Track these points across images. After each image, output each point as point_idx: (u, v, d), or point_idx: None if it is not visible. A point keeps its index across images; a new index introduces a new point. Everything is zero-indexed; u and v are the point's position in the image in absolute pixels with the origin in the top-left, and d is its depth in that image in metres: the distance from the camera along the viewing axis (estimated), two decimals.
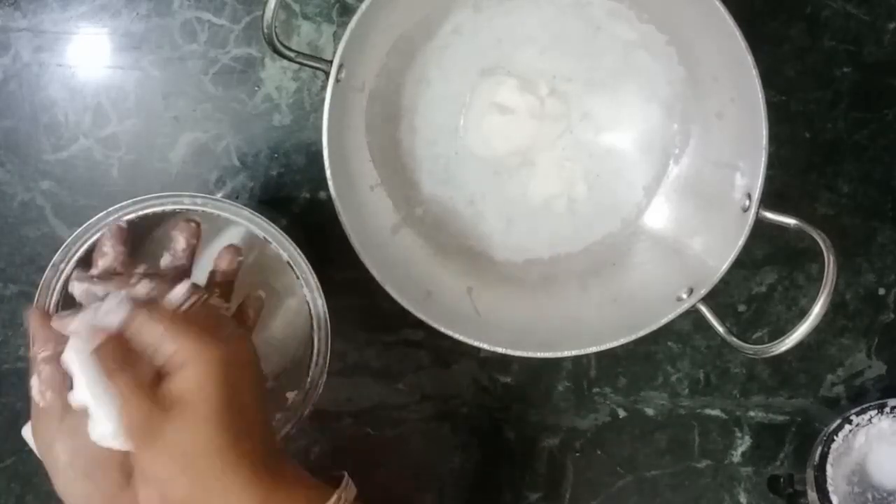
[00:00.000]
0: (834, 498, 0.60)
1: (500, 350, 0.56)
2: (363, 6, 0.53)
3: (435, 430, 0.66)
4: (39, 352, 0.48)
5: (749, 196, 0.54)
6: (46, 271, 0.52)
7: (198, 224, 0.53)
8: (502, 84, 0.62)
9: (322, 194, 0.64)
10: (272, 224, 0.53)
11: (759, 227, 0.53)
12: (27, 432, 0.55)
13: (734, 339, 0.53)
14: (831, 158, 0.65)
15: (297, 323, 0.61)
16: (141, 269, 0.51)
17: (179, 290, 0.47)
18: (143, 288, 0.48)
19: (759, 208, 0.53)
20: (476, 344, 0.56)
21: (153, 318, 0.45)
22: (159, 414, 0.43)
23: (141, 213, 0.53)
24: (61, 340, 0.46)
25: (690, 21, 0.57)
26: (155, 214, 0.53)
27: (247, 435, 0.45)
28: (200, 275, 0.54)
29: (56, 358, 0.46)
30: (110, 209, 0.52)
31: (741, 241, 0.54)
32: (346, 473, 0.49)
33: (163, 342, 0.45)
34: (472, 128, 0.63)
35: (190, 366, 0.44)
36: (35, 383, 0.48)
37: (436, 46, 0.61)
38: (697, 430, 0.66)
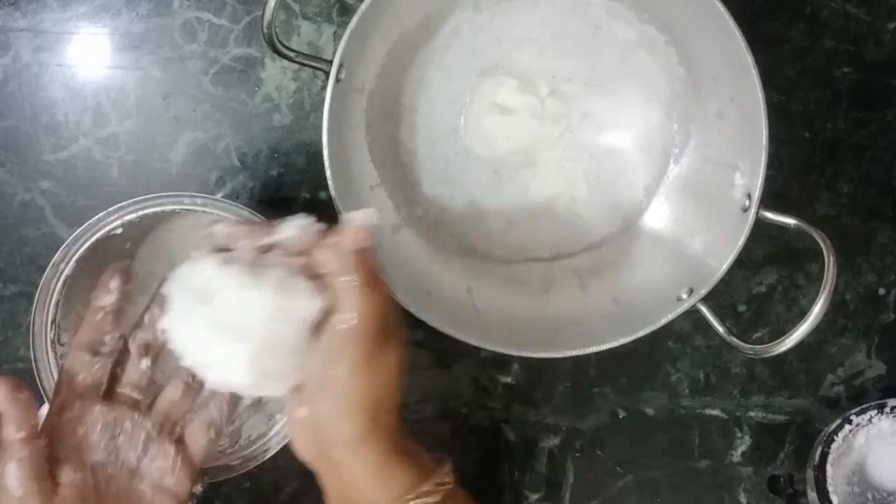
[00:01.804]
0: (834, 498, 0.60)
1: (500, 350, 0.56)
2: (363, 6, 0.53)
3: (435, 430, 0.66)
4: (15, 433, 0.43)
5: (749, 196, 0.54)
6: (46, 271, 0.52)
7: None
8: (502, 84, 0.62)
9: (322, 194, 0.64)
10: None
11: (759, 227, 0.53)
12: None
13: (734, 339, 0.53)
14: (831, 158, 0.65)
15: None
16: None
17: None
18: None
19: (759, 208, 0.53)
20: (476, 344, 0.56)
21: (338, 247, 0.45)
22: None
23: (141, 213, 0.53)
24: (32, 420, 0.45)
25: (690, 21, 0.57)
26: (155, 214, 0.53)
27: (386, 394, 0.46)
28: None
29: (35, 438, 0.44)
30: (110, 209, 0.52)
31: (741, 241, 0.54)
32: (449, 459, 0.50)
33: (343, 271, 0.44)
34: (472, 128, 0.63)
35: (356, 305, 0.44)
36: (13, 469, 0.43)
37: (436, 46, 0.61)
38: (697, 430, 0.66)
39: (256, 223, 0.47)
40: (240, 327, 0.44)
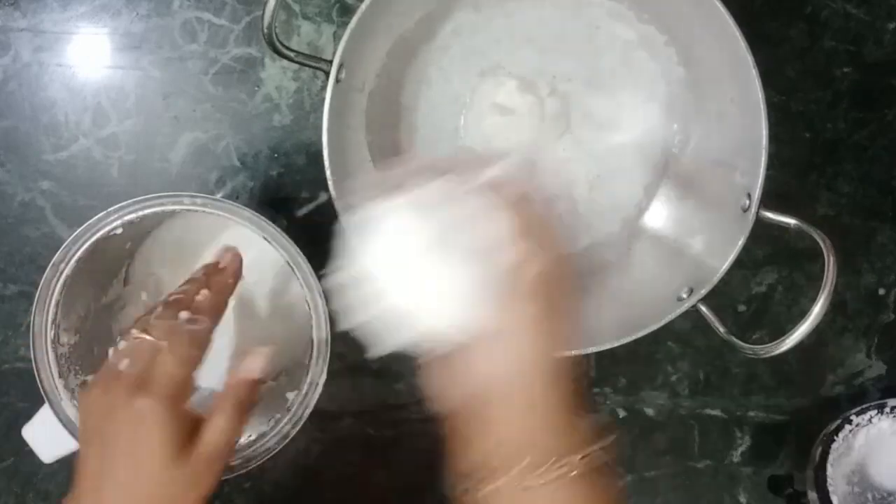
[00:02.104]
0: (834, 498, 0.60)
1: None
2: (363, 6, 0.53)
3: (435, 430, 0.66)
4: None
5: (749, 196, 0.54)
6: (46, 271, 0.52)
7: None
8: (502, 85, 0.62)
9: (322, 194, 0.64)
10: (272, 224, 0.53)
11: (759, 227, 0.53)
12: (27, 432, 0.55)
13: (734, 339, 0.53)
14: (831, 158, 0.65)
15: (297, 323, 0.61)
16: None
17: None
18: None
19: (759, 208, 0.53)
20: None
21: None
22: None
23: (141, 213, 0.53)
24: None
25: (690, 21, 0.57)
26: (155, 214, 0.53)
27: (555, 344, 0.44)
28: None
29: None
30: (109, 210, 0.52)
31: (741, 241, 0.54)
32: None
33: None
34: (472, 128, 0.63)
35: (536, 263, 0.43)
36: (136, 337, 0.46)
37: (436, 47, 0.61)
38: (697, 430, 0.66)
39: (471, 158, 0.46)
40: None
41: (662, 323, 0.55)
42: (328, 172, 0.54)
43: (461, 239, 0.42)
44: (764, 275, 0.65)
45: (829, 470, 0.61)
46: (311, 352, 0.54)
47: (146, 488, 0.45)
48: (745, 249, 0.54)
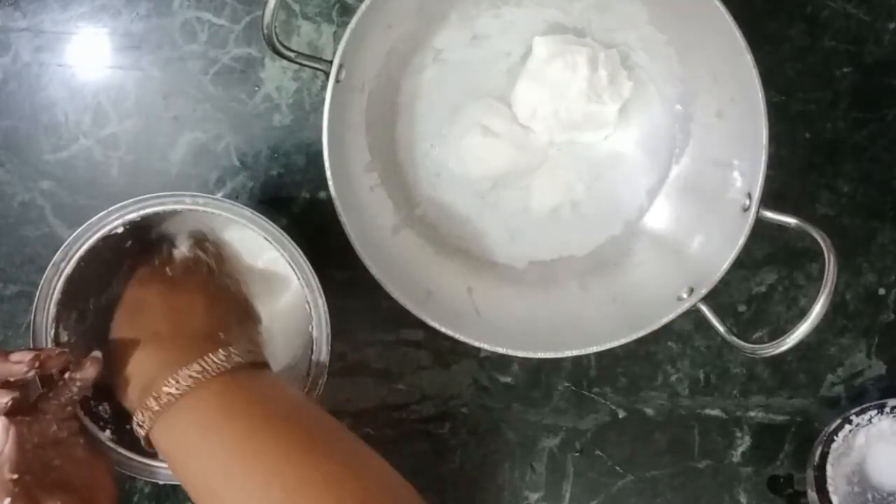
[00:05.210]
0: (834, 498, 0.60)
1: (500, 350, 0.56)
2: (363, 6, 0.53)
3: (435, 430, 0.66)
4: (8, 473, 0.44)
5: (749, 196, 0.54)
6: (46, 271, 0.52)
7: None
8: (493, 108, 0.61)
9: (322, 194, 0.64)
10: (272, 224, 0.53)
11: (759, 226, 0.53)
12: None
13: (735, 339, 0.53)
14: (831, 158, 0.65)
15: (297, 323, 0.61)
16: None
17: None
18: None
19: (759, 208, 0.53)
20: (476, 344, 0.56)
21: None
22: None
23: (141, 213, 0.53)
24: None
25: (690, 21, 0.57)
26: (155, 214, 0.53)
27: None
28: None
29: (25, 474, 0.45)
30: (110, 209, 0.52)
31: (741, 241, 0.54)
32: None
33: None
34: (452, 141, 0.62)
35: None
36: None
37: (435, 48, 0.61)
38: (697, 430, 0.66)
39: None
40: None
41: (662, 323, 0.55)
42: (328, 172, 0.54)
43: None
44: (764, 275, 0.65)
45: (829, 470, 0.61)
46: (311, 352, 0.54)
47: None
48: (745, 249, 0.54)
